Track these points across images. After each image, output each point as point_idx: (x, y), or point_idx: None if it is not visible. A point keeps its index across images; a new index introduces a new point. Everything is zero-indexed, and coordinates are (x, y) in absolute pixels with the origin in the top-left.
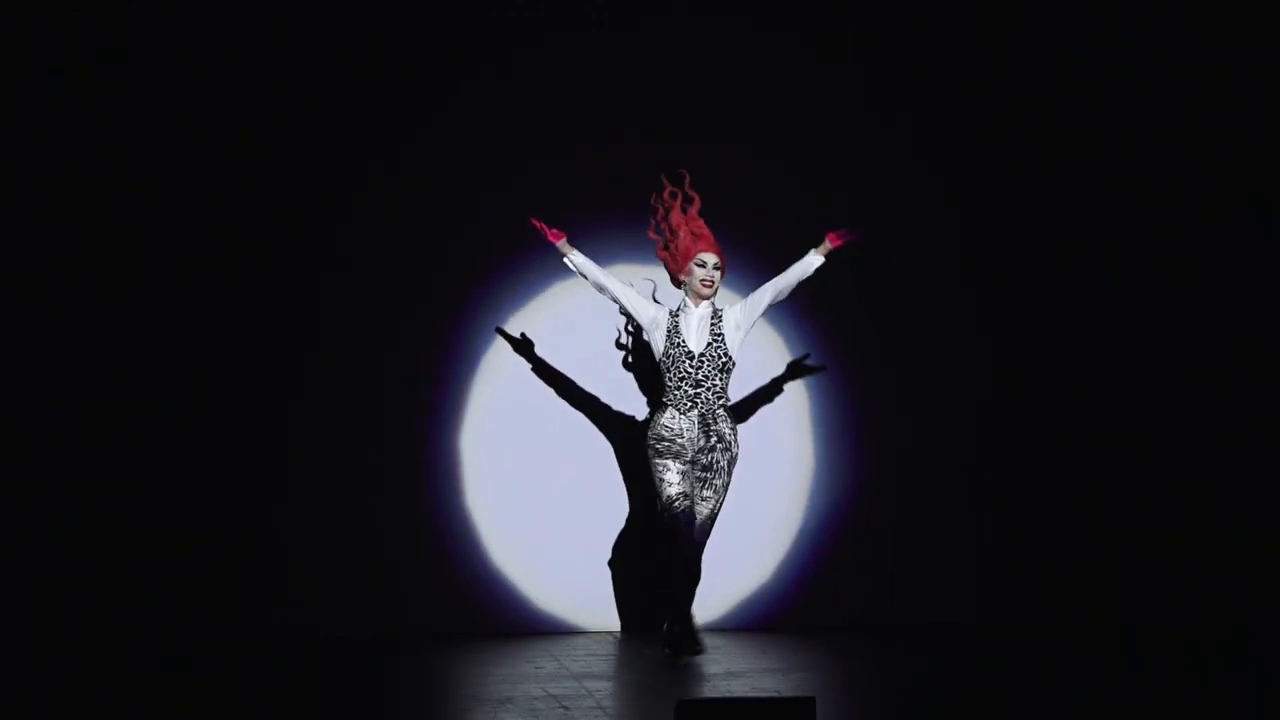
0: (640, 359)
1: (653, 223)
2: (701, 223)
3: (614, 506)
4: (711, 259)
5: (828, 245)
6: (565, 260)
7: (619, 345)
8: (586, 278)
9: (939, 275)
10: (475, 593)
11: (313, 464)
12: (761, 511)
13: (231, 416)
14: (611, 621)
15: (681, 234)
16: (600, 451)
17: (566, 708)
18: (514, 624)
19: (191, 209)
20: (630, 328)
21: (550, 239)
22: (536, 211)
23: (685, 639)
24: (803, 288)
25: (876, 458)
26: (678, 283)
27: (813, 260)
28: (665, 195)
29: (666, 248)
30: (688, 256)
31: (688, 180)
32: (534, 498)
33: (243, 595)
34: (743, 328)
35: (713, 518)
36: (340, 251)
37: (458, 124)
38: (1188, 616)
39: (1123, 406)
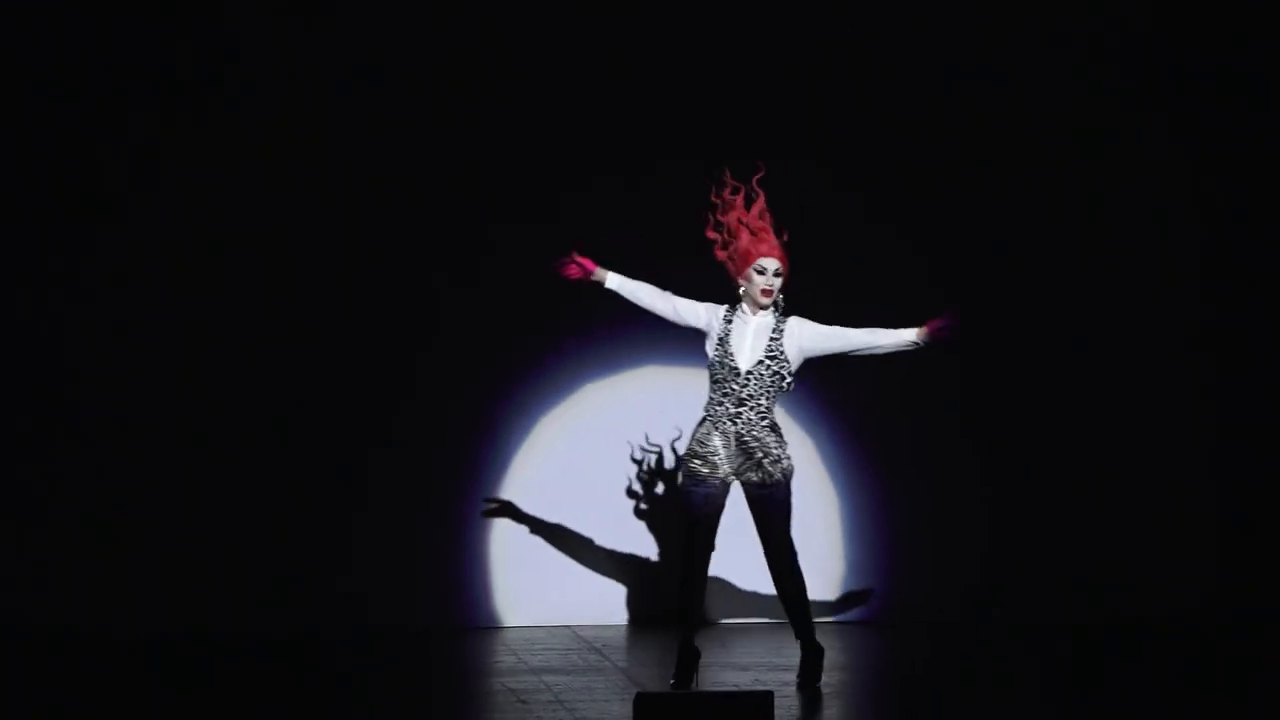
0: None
1: (711, 219)
2: (764, 222)
3: (588, 503)
4: (773, 264)
5: (926, 332)
6: (607, 288)
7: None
8: (632, 300)
9: (928, 277)
10: (440, 588)
11: (314, 460)
12: None
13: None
14: (570, 616)
15: (742, 235)
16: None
17: (524, 702)
18: (473, 618)
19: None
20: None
21: (580, 274)
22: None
23: (810, 667)
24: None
25: (868, 459)
26: (737, 287)
27: (907, 336)
28: (726, 192)
29: (725, 248)
30: (747, 260)
31: (756, 178)
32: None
33: (222, 594)
34: (806, 353)
35: (786, 532)
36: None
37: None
38: (1168, 614)
39: (1104, 410)
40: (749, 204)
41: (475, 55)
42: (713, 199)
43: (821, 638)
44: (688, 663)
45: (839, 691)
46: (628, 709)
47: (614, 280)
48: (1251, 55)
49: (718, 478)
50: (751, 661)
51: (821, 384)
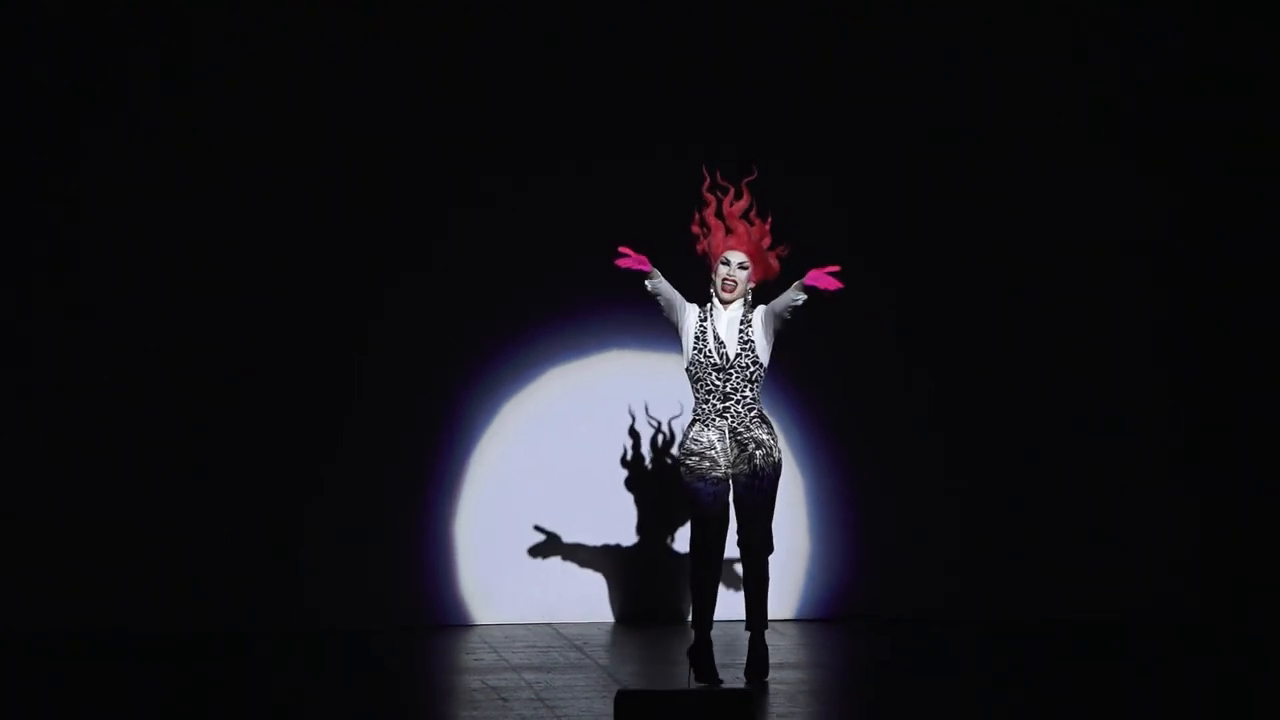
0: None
1: (697, 216)
2: (741, 221)
3: (563, 499)
4: (737, 257)
5: (805, 282)
6: (648, 284)
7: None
8: (656, 293)
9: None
10: (418, 585)
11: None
12: None
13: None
14: (551, 613)
15: (717, 230)
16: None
17: (505, 700)
18: (453, 615)
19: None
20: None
21: (638, 266)
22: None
23: (755, 665)
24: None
25: (847, 455)
26: (710, 283)
27: (795, 295)
28: (728, 197)
29: (701, 241)
30: (715, 254)
31: (745, 180)
32: (492, 491)
33: (195, 594)
34: (768, 335)
35: (768, 526)
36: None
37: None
38: (1139, 612)
39: (1076, 407)
40: (733, 202)
41: (427, 38)
42: (703, 196)
43: (794, 634)
44: (709, 658)
45: (814, 689)
46: (609, 706)
47: (658, 282)
48: (1210, 66)
49: (720, 472)
50: (731, 660)
51: (790, 376)
